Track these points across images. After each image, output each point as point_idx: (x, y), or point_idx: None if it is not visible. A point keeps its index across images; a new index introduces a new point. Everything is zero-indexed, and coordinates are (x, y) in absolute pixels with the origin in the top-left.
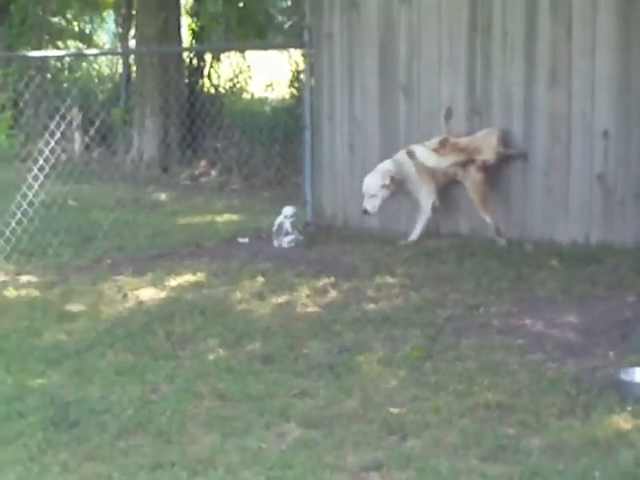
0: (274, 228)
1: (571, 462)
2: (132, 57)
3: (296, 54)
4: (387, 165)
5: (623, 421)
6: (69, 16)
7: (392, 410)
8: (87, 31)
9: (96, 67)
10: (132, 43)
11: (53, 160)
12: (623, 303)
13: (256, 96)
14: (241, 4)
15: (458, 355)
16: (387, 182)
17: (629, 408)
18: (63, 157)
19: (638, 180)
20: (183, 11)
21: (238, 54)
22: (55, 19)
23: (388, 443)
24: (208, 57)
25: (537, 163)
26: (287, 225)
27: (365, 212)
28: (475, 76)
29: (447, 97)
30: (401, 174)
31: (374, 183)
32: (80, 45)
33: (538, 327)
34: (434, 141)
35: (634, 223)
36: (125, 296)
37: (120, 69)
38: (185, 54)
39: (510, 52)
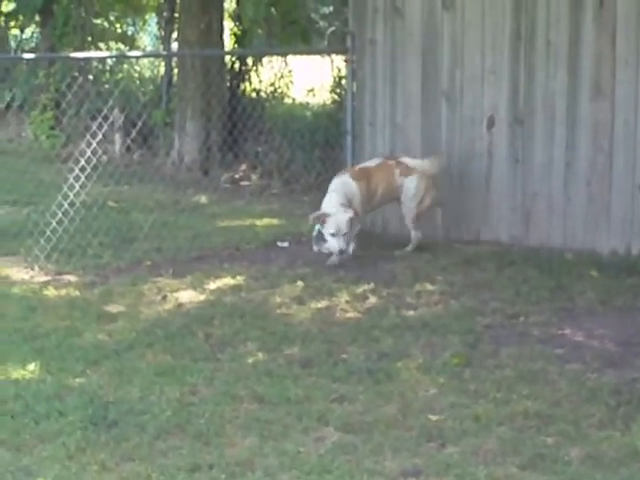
0: (314, 233)
1: (610, 473)
2: (174, 60)
3: (338, 59)
4: (339, 199)
5: None
6: (112, 18)
7: (431, 417)
8: (129, 33)
9: (137, 69)
10: (174, 46)
11: (94, 161)
12: None
13: (297, 101)
14: (283, 9)
15: (497, 363)
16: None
17: None
18: (104, 158)
19: None
20: (226, 15)
21: (280, 58)
22: (97, 21)
23: (427, 449)
24: (250, 61)
25: (579, 172)
26: None
27: (341, 252)
28: (518, 85)
29: (489, 105)
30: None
31: (345, 220)
32: (122, 47)
33: (578, 337)
34: (376, 160)
35: None
36: (164, 298)
37: (162, 71)
38: (227, 58)
39: (554, 61)
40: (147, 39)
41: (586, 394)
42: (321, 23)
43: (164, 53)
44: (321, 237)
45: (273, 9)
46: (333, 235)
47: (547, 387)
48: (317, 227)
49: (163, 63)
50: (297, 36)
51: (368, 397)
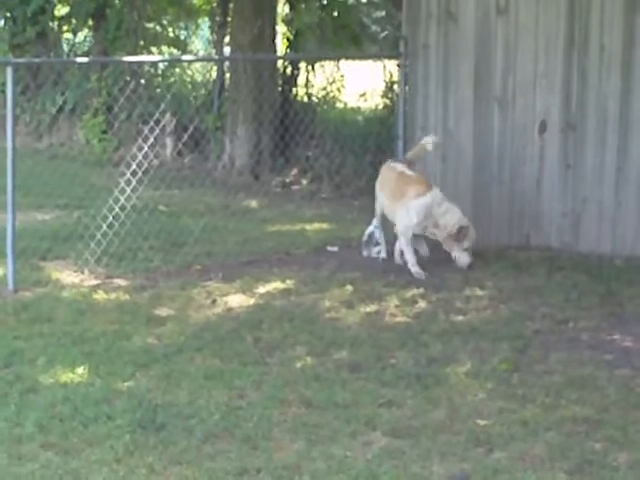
0: (364, 238)
1: None
2: (226, 64)
3: (390, 64)
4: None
5: None
6: (164, 22)
7: (479, 422)
8: (181, 37)
9: (190, 73)
10: (226, 50)
11: (145, 165)
12: None
13: (349, 105)
14: (335, 13)
15: (546, 369)
16: None
17: None
18: (155, 162)
19: None
20: (278, 19)
21: (332, 63)
22: (150, 25)
23: (474, 454)
24: (302, 66)
25: (630, 177)
26: (377, 235)
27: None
28: (571, 90)
29: (542, 110)
30: None
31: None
32: (174, 51)
33: (627, 343)
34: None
35: None
36: (214, 302)
37: (214, 76)
38: (279, 62)
39: (607, 66)
40: (199, 43)
41: (635, 400)
42: (373, 27)
43: (216, 57)
44: (371, 241)
45: (325, 13)
46: (466, 250)
47: (596, 392)
48: (367, 232)
49: (215, 67)
50: (349, 40)
51: (416, 402)
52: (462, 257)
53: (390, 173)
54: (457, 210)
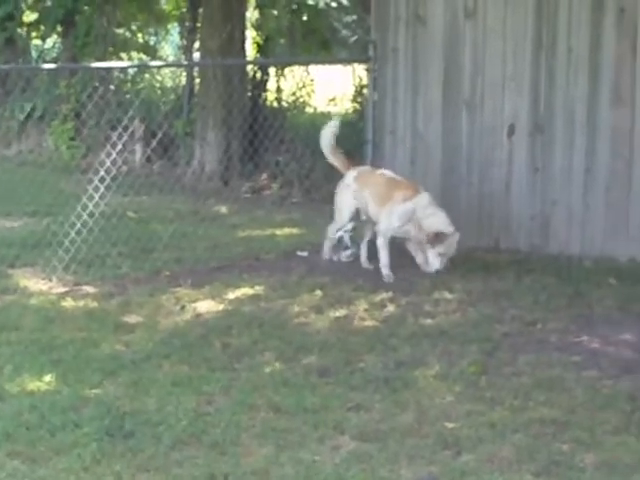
0: (334, 242)
1: (625, 479)
2: (196, 69)
3: (360, 69)
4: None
5: None
6: (134, 28)
7: (447, 424)
8: (151, 43)
9: (159, 79)
10: (196, 55)
11: (114, 171)
12: None
13: (319, 110)
14: (305, 18)
15: (514, 371)
16: None
17: None
18: (124, 168)
19: None
20: (248, 24)
21: (301, 68)
22: (120, 31)
23: (442, 457)
24: (272, 70)
25: (598, 179)
26: (346, 239)
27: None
28: (539, 92)
29: (510, 112)
30: None
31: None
32: (144, 57)
33: (595, 344)
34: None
35: None
36: (183, 308)
37: (183, 81)
38: (249, 67)
39: (574, 68)
40: (169, 49)
41: (601, 401)
42: (343, 32)
43: (186, 63)
44: (340, 246)
45: (295, 18)
46: (441, 255)
47: (563, 394)
48: (337, 236)
49: (185, 73)
50: (318, 45)
51: (384, 405)
52: (433, 261)
53: (377, 177)
54: (442, 215)
